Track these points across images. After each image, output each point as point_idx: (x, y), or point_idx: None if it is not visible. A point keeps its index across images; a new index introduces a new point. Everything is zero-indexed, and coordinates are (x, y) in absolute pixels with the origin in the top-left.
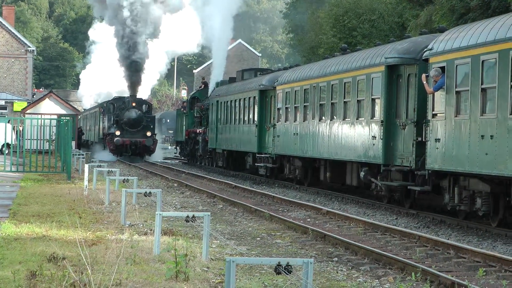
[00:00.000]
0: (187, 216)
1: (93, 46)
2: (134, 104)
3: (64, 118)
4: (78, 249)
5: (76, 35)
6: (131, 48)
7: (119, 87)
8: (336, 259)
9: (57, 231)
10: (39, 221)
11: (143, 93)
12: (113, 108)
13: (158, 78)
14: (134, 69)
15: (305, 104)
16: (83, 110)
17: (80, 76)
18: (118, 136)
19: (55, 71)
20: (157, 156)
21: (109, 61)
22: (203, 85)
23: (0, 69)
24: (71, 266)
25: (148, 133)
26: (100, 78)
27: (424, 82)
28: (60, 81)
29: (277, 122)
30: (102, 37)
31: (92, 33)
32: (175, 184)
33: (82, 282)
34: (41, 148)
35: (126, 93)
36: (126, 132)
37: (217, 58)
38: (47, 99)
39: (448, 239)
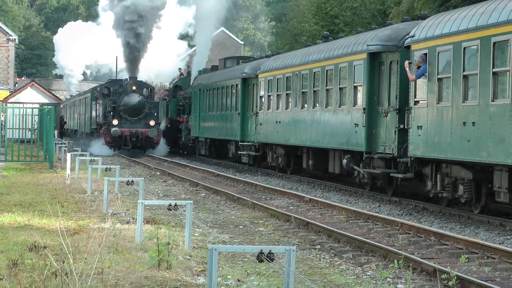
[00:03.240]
0: (170, 205)
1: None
2: (134, 88)
3: (46, 107)
4: (60, 238)
5: (58, 23)
6: (133, 18)
7: (108, 59)
8: (318, 246)
9: (39, 220)
10: (21, 210)
11: (164, 79)
12: (109, 92)
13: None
14: (134, 44)
15: (287, 92)
16: (69, 97)
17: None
18: (115, 126)
19: (37, 60)
20: (161, 149)
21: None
22: (185, 73)
23: None
24: (52, 255)
25: (152, 122)
26: (87, 49)
27: (407, 69)
28: (42, 70)
29: (259, 110)
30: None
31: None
32: (158, 173)
33: (63, 271)
34: (23, 137)
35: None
36: (125, 121)
37: (200, 46)
38: (29, 88)
39: (430, 226)
